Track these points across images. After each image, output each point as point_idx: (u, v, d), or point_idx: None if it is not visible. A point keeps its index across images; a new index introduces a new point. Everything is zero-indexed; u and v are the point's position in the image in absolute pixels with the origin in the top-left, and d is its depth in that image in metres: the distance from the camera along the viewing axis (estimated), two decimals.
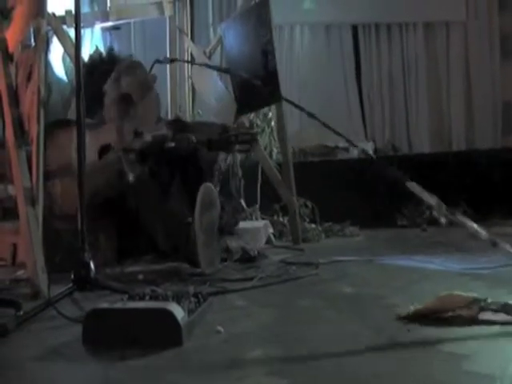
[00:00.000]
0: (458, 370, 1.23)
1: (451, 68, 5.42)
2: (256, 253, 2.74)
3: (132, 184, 2.65)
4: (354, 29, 5.44)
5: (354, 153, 4.61)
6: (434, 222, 3.73)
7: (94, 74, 2.97)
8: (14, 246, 2.81)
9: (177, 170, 2.72)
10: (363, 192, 4.01)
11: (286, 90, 5.15)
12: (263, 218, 3.56)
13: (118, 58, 3.08)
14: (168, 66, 4.23)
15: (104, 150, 2.73)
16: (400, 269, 2.47)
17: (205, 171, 2.81)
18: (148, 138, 2.73)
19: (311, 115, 2.72)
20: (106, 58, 3.14)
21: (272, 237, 3.34)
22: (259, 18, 3.13)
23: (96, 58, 3.27)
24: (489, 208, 3.84)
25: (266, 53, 3.10)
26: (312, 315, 1.77)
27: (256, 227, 3.22)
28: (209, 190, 2.53)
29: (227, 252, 2.70)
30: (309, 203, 3.72)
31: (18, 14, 2.47)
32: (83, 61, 3.11)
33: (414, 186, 2.02)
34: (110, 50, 3.20)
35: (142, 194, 2.67)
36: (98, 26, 4.38)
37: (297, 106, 2.40)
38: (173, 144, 2.71)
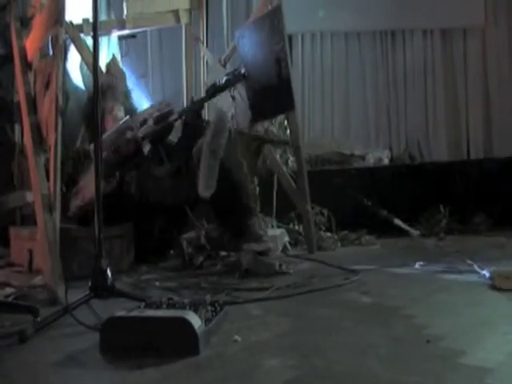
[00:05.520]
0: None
1: (469, 75, 5.37)
2: None
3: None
4: (371, 36, 5.42)
5: (370, 161, 4.58)
6: (450, 231, 3.69)
7: None
8: (30, 252, 2.83)
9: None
10: (380, 201, 3.98)
11: (304, 97, 5.20)
12: (279, 227, 3.54)
13: None
14: (184, 71, 4.26)
15: None
16: (417, 279, 2.45)
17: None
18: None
19: None
20: None
21: (288, 245, 3.32)
22: (272, 25, 3.13)
23: None
24: (508, 218, 3.79)
25: (280, 60, 3.10)
26: (329, 325, 1.76)
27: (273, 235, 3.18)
28: (223, 115, 2.72)
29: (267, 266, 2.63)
30: (325, 211, 3.70)
31: (37, 22, 2.50)
32: (100, 69, 3.17)
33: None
34: None
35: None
36: (115, 34, 4.41)
37: None
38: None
